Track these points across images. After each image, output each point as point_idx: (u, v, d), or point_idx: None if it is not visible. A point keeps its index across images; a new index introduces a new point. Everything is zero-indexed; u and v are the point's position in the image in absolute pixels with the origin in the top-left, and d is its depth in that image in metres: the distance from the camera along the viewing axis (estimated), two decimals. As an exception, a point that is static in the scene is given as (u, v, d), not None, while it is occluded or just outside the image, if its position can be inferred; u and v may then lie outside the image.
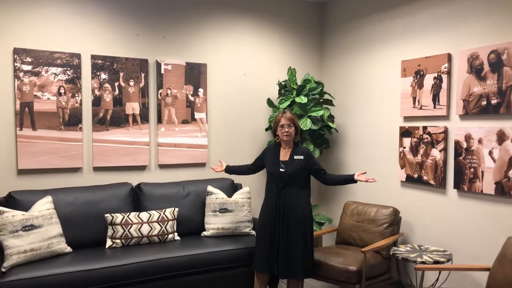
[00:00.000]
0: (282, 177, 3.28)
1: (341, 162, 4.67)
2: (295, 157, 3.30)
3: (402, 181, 3.94)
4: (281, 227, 3.27)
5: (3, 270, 2.89)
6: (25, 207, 3.21)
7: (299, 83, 4.57)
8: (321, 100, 4.38)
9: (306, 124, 4.10)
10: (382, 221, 3.69)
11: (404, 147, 3.86)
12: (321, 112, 4.15)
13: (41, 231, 3.06)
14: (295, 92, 4.24)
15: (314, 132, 4.31)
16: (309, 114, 4.17)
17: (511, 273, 2.55)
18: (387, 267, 3.61)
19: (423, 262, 3.01)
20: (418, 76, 3.71)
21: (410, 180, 3.82)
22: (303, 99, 4.12)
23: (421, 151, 3.70)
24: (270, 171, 3.38)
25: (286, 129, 3.29)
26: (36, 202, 3.23)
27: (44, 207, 3.18)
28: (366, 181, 3.11)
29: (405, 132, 3.86)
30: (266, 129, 4.49)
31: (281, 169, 3.29)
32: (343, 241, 3.91)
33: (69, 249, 3.25)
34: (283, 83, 4.41)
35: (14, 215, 2.99)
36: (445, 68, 3.48)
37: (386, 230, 3.66)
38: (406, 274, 3.86)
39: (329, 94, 4.44)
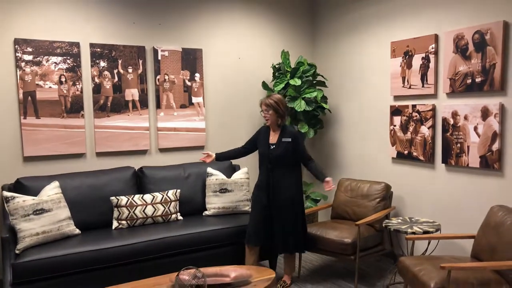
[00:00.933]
0: (271, 159, 3.45)
1: (335, 141, 4.84)
2: (283, 139, 3.44)
3: (393, 158, 4.12)
4: (272, 205, 3.47)
5: (17, 252, 3.04)
6: (33, 192, 3.36)
7: (292, 65, 4.70)
8: (314, 82, 4.52)
9: (300, 105, 4.25)
10: (375, 196, 3.88)
11: (395, 125, 4.03)
12: (314, 94, 4.29)
13: (50, 214, 3.22)
14: (289, 74, 4.37)
15: (308, 113, 4.46)
16: (303, 96, 4.31)
17: (493, 239, 2.75)
18: (380, 239, 3.81)
19: (413, 233, 3.21)
20: (407, 56, 3.85)
21: (400, 157, 4.00)
22: (297, 81, 4.26)
23: (411, 128, 3.87)
24: (260, 153, 3.55)
25: (263, 114, 3.48)
26: (44, 187, 3.37)
27: (52, 191, 3.32)
28: (328, 188, 3.34)
29: (395, 111, 4.02)
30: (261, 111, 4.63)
31: (270, 151, 3.46)
32: (338, 216, 4.10)
33: (77, 231, 3.41)
34: (277, 66, 4.54)
35: (24, 200, 3.13)
36: (432, 48, 3.62)
37: (378, 205, 3.85)
38: (398, 245, 4.08)
39: (322, 76, 4.58)
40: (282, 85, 4.33)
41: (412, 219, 3.61)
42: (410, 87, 3.85)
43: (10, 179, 3.60)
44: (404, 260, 2.91)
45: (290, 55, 4.91)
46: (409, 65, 3.84)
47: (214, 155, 3.67)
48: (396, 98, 4.04)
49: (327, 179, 3.37)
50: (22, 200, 3.12)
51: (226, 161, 3.87)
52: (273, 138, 3.50)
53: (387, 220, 3.61)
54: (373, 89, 4.30)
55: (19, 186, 3.42)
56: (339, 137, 4.79)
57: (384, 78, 4.16)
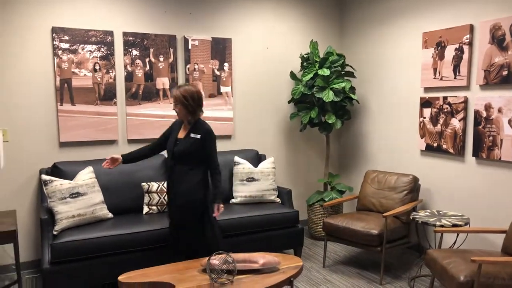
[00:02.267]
0: (174, 155, 3.03)
1: (362, 132, 4.83)
2: (192, 135, 3.03)
3: (421, 150, 4.08)
4: (172, 206, 3.08)
5: (55, 233, 3.17)
6: (69, 177, 3.48)
7: (321, 55, 4.68)
8: (342, 72, 4.50)
9: (328, 96, 4.24)
10: (402, 188, 3.87)
11: (424, 117, 3.99)
12: (343, 84, 4.28)
13: (86, 198, 3.33)
14: (317, 64, 4.36)
15: (336, 104, 4.45)
16: (331, 86, 4.30)
17: (525, 234, 2.72)
18: (407, 231, 3.80)
19: (442, 226, 3.19)
20: (439, 47, 3.79)
21: (429, 149, 3.97)
22: (325, 72, 4.25)
23: (441, 120, 3.82)
24: (167, 148, 3.14)
25: (173, 108, 3.06)
26: (79, 172, 3.49)
27: (87, 176, 3.44)
28: (214, 214, 3.03)
29: (425, 103, 3.97)
30: (289, 102, 4.65)
31: (174, 147, 3.04)
32: (364, 208, 4.10)
33: (110, 215, 3.53)
34: (305, 56, 4.53)
35: (62, 184, 3.25)
36: (467, 39, 3.56)
37: (406, 197, 3.83)
38: (424, 238, 4.06)
39: (351, 66, 4.55)
40: (310, 75, 4.33)
41: (440, 212, 3.58)
42: (441, 79, 3.79)
43: (47, 163, 3.74)
44: (432, 252, 2.91)
45: (319, 45, 4.89)
46: (441, 56, 3.78)
47: (120, 158, 3.16)
48: (427, 89, 3.99)
49: (220, 206, 3.03)
50: (60, 184, 3.25)
51: (135, 162, 3.27)
52: (182, 133, 3.09)
53: (414, 213, 3.59)
54: (403, 81, 4.25)
55: (56, 170, 3.55)
56: (366, 128, 4.77)
57: (414, 69, 4.11)
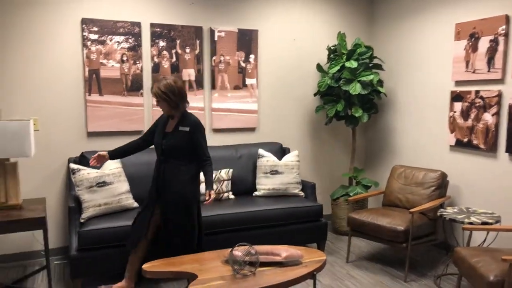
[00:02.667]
0: (164, 149, 2.98)
1: (389, 126, 4.73)
2: (180, 128, 2.97)
3: (451, 146, 3.97)
4: (161, 201, 3.00)
5: (82, 220, 3.25)
6: (96, 166, 3.54)
7: (348, 47, 4.60)
8: (370, 65, 4.41)
9: (355, 88, 4.17)
10: (430, 184, 3.77)
11: (455, 112, 3.87)
12: (370, 77, 4.19)
13: (112, 187, 3.39)
14: (345, 56, 4.29)
15: (363, 97, 4.37)
16: (358, 79, 4.22)
17: (560, 234, 2.61)
18: (433, 228, 3.71)
19: (470, 223, 3.10)
20: (473, 39, 3.66)
21: (459, 144, 3.85)
22: (353, 64, 4.17)
23: (472, 115, 3.70)
24: (154, 143, 3.08)
25: (156, 104, 3.04)
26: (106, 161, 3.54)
27: (113, 165, 3.49)
28: (206, 202, 2.95)
29: (456, 97, 3.85)
30: (315, 94, 4.60)
31: (164, 140, 2.99)
32: (390, 203, 4.03)
33: (136, 204, 3.58)
34: (332, 48, 4.46)
35: (89, 173, 3.32)
36: (503, 30, 3.42)
37: (433, 193, 3.74)
38: (452, 235, 3.96)
39: (379, 59, 4.45)
40: (337, 68, 4.26)
41: (469, 209, 3.48)
42: (474, 72, 3.67)
43: (75, 152, 3.82)
44: (460, 250, 2.83)
45: (347, 36, 4.81)
46: (474, 48, 3.65)
47: (107, 155, 3.12)
48: (458, 83, 3.87)
49: (212, 192, 2.96)
50: (87, 173, 3.31)
51: (121, 158, 3.26)
52: (170, 126, 3.04)
53: (442, 209, 3.50)
54: (433, 74, 4.13)
55: (84, 159, 3.62)
56: (394, 122, 4.67)
57: (445, 62, 3.99)
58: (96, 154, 3.09)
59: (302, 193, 4.09)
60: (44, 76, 3.67)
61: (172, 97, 2.90)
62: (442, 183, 3.78)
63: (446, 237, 3.90)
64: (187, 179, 2.97)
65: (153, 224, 3.04)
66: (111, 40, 3.82)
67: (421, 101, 4.29)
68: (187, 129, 2.96)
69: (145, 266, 2.55)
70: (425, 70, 4.22)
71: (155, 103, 4.00)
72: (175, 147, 2.95)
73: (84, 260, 3.09)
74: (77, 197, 3.32)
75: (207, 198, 2.97)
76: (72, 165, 3.33)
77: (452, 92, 3.89)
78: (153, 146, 3.13)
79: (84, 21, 3.71)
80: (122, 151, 3.18)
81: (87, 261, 3.10)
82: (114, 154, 3.15)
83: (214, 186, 3.80)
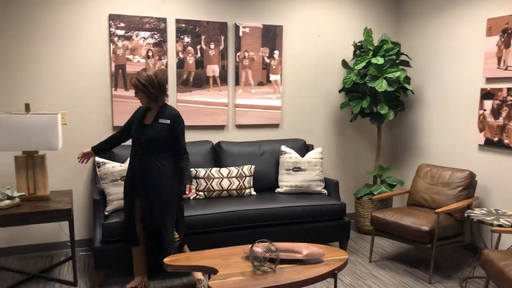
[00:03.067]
0: (143, 142, 2.92)
1: (415, 124, 4.62)
2: (160, 120, 2.92)
3: (480, 145, 3.85)
4: (140, 196, 2.98)
5: (106, 213, 3.30)
6: (121, 160, 3.61)
7: (375, 43, 4.52)
8: (397, 61, 4.32)
9: (381, 85, 4.09)
10: (457, 184, 3.67)
11: (485, 110, 3.75)
12: (397, 74, 4.11)
13: (136, 181, 3.43)
14: (371, 53, 4.21)
15: (390, 94, 4.29)
16: (385, 76, 4.14)
17: None
18: (460, 229, 3.61)
19: (500, 225, 3.00)
20: (506, 34, 3.53)
21: (489, 144, 3.73)
22: (379, 60, 4.09)
23: (504, 113, 3.58)
24: (132, 136, 3.03)
25: (134, 95, 2.96)
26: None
27: (138, 160, 3.54)
28: (186, 196, 2.97)
29: (486, 94, 3.73)
30: (340, 91, 4.54)
31: (142, 133, 2.93)
32: (415, 203, 3.94)
33: (159, 198, 3.62)
34: (358, 44, 4.39)
35: (113, 166, 3.37)
36: (536, 26, 3.29)
37: (460, 193, 3.64)
38: (479, 237, 3.85)
39: (406, 55, 4.36)
40: (363, 64, 4.19)
41: (499, 211, 3.37)
42: (506, 69, 3.54)
43: (101, 146, 3.89)
44: (488, 253, 2.74)
45: (373, 32, 4.72)
46: (507, 44, 3.52)
47: (91, 151, 3.18)
48: (489, 80, 3.74)
49: (192, 186, 2.99)
50: (112, 166, 3.36)
51: (104, 152, 3.25)
52: (149, 118, 2.97)
53: (469, 210, 3.40)
54: (462, 70, 4.01)
55: (109, 153, 3.68)
56: (420, 120, 4.56)
57: (475, 58, 3.87)
58: (81, 153, 3.17)
59: (325, 191, 4.05)
60: (71, 71, 3.75)
61: (151, 90, 2.87)
62: (470, 183, 3.67)
63: (473, 239, 3.80)
64: (169, 173, 2.94)
65: (138, 214, 3.06)
66: (137, 36, 3.86)
67: (449, 99, 4.17)
68: (168, 121, 2.92)
69: (166, 260, 2.58)
70: (454, 67, 4.10)
71: (178, 98, 4.05)
72: (154, 140, 2.90)
73: (107, 252, 3.15)
74: (102, 190, 3.38)
75: (187, 192, 2.97)
76: (98, 159, 3.39)
77: (482, 90, 3.77)
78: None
79: (111, 17, 3.77)
80: (104, 146, 3.19)
81: (111, 253, 3.16)
82: (97, 150, 3.19)
83: (236, 181, 3.81)
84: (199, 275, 3.21)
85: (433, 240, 3.33)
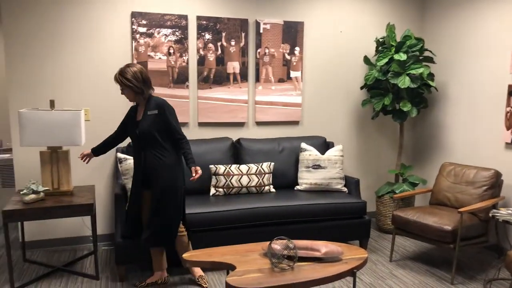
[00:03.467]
0: (139, 138, 2.95)
1: (439, 122, 4.53)
2: (148, 113, 2.94)
3: (507, 143, 3.74)
4: (153, 191, 2.98)
5: (127, 208, 3.35)
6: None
7: (398, 39, 4.44)
8: (421, 58, 4.23)
9: (404, 82, 4.02)
10: (482, 183, 3.58)
11: (512, 108, 3.64)
12: (420, 70, 4.02)
13: (156, 177, 3.47)
14: (393, 49, 4.14)
15: (413, 91, 4.21)
16: (408, 72, 4.07)
17: None
18: (484, 229, 3.52)
19: (526, 226, 2.92)
20: (534, 30, 3.42)
21: (516, 143, 3.62)
22: (402, 56, 4.02)
23: (532, 112, 3.47)
24: (129, 134, 3.08)
25: (121, 93, 2.99)
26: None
27: (158, 156, 3.57)
28: (192, 178, 2.93)
29: (514, 92, 3.62)
30: (361, 88, 4.48)
31: (137, 129, 2.96)
32: (438, 202, 3.86)
33: (179, 194, 3.65)
34: (381, 40, 4.32)
35: (131, 163, 3.41)
36: None
37: (485, 193, 3.55)
38: (505, 238, 3.75)
39: (430, 51, 4.26)
40: (385, 60, 4.12)
41: (525, 212, 3.27)
42: (534, 65, 3.43)
43: (123, 142, 3.93)
44: (513, 254, 2.67)
45: (396, 28, 4.64)
46: (535, 40, 3.41)
47: (90, 152, 3.25)
48: (517, 77, 3.64)
49: (197, 168, 2.94)
50: (133, 162, 3.40)
51: (103, 154, 3.29)
52: (139, 114, 3.01)
53: (494, 210, 3.31)
54: (489, 66, 3.90)
55: (130, 149, 3.74)
56: (444, 117, 4.47)
57: (502, 53, 3.75)
58: (81, 154, 3.23)
59: (345, 189, 4.01)
60: (95, 69, 3.81)
61: (137, 84, 2.88)
62: (495, 183, 3.57)
63: (498, 240, 3.70)
64: (173, 164, 2.96)
65: (145, 213, 3.09)
66: (158, 33, 3.90)
67: (475, 96, 4.07)
68: (156, 111, 2.93)
69: (185, 256, 2.60)
70: (480, 62, 3.99)
71: (199, 94, 4.08)
72: (148, 133, 2.91)
73: (128, 247, 3.19)
74: (123, 186, 3.44)
75: (193, 174, 2.94)
76: (119, 155, 3.45)
77: (510, 86, 3.66)
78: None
79: (134, 15, 3.81)
80: (103, 147, 3.24)
81: (131, 248, 3.20)
82: (96, 151, 3.25)
83: (255, 178, 3.81)
84: (199, 271, 3.24)
85: (456, 240, 3.26)
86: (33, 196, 3.06)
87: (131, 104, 3.90)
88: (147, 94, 2.98)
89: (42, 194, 3.13)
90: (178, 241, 3.12)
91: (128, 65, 2.92)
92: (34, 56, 3.65)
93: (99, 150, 3.25)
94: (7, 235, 2.95)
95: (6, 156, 4.26)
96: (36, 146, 3.57)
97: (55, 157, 3.25)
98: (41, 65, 3.68)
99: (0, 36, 7.06)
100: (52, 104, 3.26)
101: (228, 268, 2.51)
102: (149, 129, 2.91)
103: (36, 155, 3.76)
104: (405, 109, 4.13)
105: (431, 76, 4.24)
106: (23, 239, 3.59)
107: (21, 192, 3.07)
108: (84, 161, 3.26)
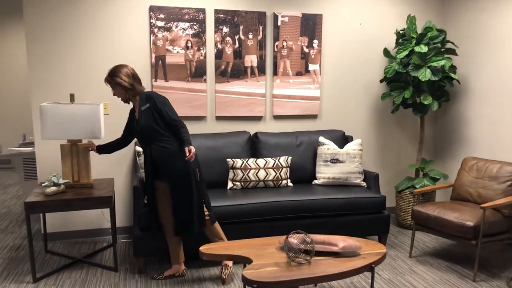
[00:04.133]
0: (141, 135, 3.02)
1: (461, 116, 4.42)
2: (142, 108, 2.99)
3: (532, 138, 3.63)
4: (159, 182, 3.07)
5: (145, 201, 3.37)
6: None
7: (419, 31, 4.35)
8: (442, 50, 4.13)
9: (425, 74, 3.93)
10: (506, 179, 3.48)
11: (538, 101, 3.53)
12: (442, 62, 3.93)
13: (174, 170, 3.49)
14: (414, 41, 4.05)
15: (434, 84, 4.12)
16: (429, 65, 3.98)
17: None
18: (508, 226, 3.43)
19: (551, 223, 2.83)
20: (563, 20, 3.29)
21: (542, 137, 3.51)
22: (423, 48, 3.93)
23: (559, 104, 3.35)
24: (134, 135, 3.15)
25: (113, 94, 3.05)
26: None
27: (176, 149, 3.59)
28: (187, 158, 2.89)
29: (540, 84, 3.50)
30: (381, 81, 4.40)
31: (137, 127, 3.03)
32: (459, 198, 3.78)
33: (196, 187, 3.66)
34: (401, 32, 4.23)
35: (153, 155, 3.44)
36: None
37: (509, 188, 3.45)
38: (530, 235, 3.64)
39: (452, 43, 4.16)
40: (405, 52, 4.03)
41: (551, 208, 3.17)
42: (563, 57, 3.30)
43: (141, 136, 3.98)
44: (537, 251, 2.59)
45: (417, 20, 4.54)
46: None
47: (95, 147, 3.31)
48: (543, 69, 3.51)
49: (191, 147, 2.90)
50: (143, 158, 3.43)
51: (107, 153, 3.35)
52: (136, 113, 3.07)
53: (519, 206, 3.23)
54: (514, 59, 3.79)
55: (149, 143, 3.76)
56: (467, 111, 4.36)
57: (529, 46, 3.63)
58: (89, 141, 3.28)
59: (364, 184, 3.96)
60: (114, 63, 3.84)
61: (127, 79, 2.94)
62: (520, 178, 3.47)
63: (522, 237, 3.60)
64: (179, 150, 2.99)
65: (161, 205, 3.11)
66: (176, 27, 3.91)
67: (499, 89, 3.95)
68: (148, 105, 2.98)
69: (202, 249, 2.61)
70: (505, 54, 3.87)
71: (216, 88, 4.07)
72: (148, 127, 2.96)
73: (146, 239, 3.22)
74: (142, 179, 3.46)
75: (187, 154, 2.90)
76: (138, 148, 3.47)
77: (536, 79, 3.54)
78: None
79: (152, 9, 3.83)
80: (108, 147, 3.30)
81: (149, 241, 3.23)
82: (100, 149, 3.30)
83: (273, 172, 3.79)
84: (229, 261, 3.23)
85: (478, 236, 3.19)
86: (54, 188, 3.12)
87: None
88: (138, 90, 3.01)
89: (62, 186, 3.19)
90: (207, 227, 3.15)
91: (116, 66, 2.99)
92: (54, 52, 3.71)
93: (102, 149, 3.31)
94: (29, 226, 3.01)
95: (29, 149, 4.35)
96: (56, 140, 3.63)
97: (75, 150, 3.29)
98: (61, 61, 3.73)
99: (22, 34, 7.23)
100: (72, 98, 3.31)
101: (245, 261, 2.51)
102: (147, 124, 2.96)
103: (57, 149, 3.82)
104: (426, 102, 4.04)
105: (453, 68, 4.13)
106: (45, 231, 3.67)
107: (43, 185, 3.13)
108: (88, 148, 3.32)
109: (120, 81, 2.93)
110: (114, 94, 3.03)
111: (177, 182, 3.00)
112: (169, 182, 3.02)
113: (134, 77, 3.00)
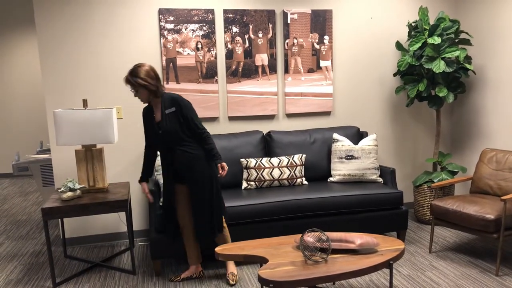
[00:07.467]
0: (164, 140, 2.93)
1: (478, 107, 4.33)
2: (167, 111, 2.90)
3: (553, 127, 3.53)
4: (180, 186, 3.06)
5: (161, 204, 3.39)
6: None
7: (431, 23, 4.27)
8: (456, 40, 4.05)
9: (439, 66, 3.85)
10: (527, 170, 3.40)
11: (558, 88, 3.42)
12: (456, 53, 3.85)
13: (188, 172, 3.49)
14: (427, 32, 3.98)
15: (448, 75, 4.04)
16: (442, 56, 3.90)
17: None
18: (531, 218, 3.34)
19: None
20: None
21: None
22: (436, 40, 3.85)
23: None
24: (153, 139, 3.01)
25: (134, 95, 2.92)
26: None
27: (189, 151, 3.59)
28: (219, 175, 2.96)
29: (560, 71, 3.40)
30: (394, 74, 4.34)
31: (159, 133, 2.92)
32: (479, 190, 3.70)
33: (211, 188, 3.66)
34: (413, 24, 4.16)
35: (166, 158, 3.45)
36: None
37: (531, 180, 3.36)
38: (554, 227, 3.54)
39: (467, 33, 4.07)
40: (418, 45, 3.96)
41: None
42: None
43: (155, 138, 4.00)
44: (562, 244, 2.51)
45: (429, 11, 4.46)
46: None
47: (146, 184, 3.14)
48: (562, 55, 3.41)
49: (224, 164, 2.95)
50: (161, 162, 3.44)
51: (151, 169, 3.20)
52: (157, 115, 2.95)
53: (541, 198, 3.13)
54: (532, 46, 3.68)
55: (162, 145, 3.77)
56: (483, 102, 4.26)
57: (547, 32, 3.53)
58: (147, 192, 3.12)
59: (380, 179, 3.90)
60: (126, 67, 3.87)
61: (152, 81, 2.85)
62: (541, 169, 3.38)
63: (546, 229, 3.50)
64: (203, 155, 2.97)
65: (181, 206, 3.09)
66: (186, 29, 3.91)
67: (517, 78, 3.86)
68: (173, 109, 2.90)
69: (217, 249, 2.60)
70: (522, 42, 3.78)
71: (228, 88, 4.06)
72: (174, 132, 2.89)
73: (162, 242, 3.23)
74: (157, 182, 3.48)
75: (220, 171, 2.95)
76: (152, 151, 3.48)
77: (555, 66, 3.44)
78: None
79: (161, 11, 3.84)
80: (146, 169, 3.15)
81: (166, 243, 3.24)
82: (146, 177, 3.16)
83: (287, 171, 3.77)
84: (232, 268, 3.21)
85: (499, 229, 3.11)
86: (70, 193, 3.15)
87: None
88: (161, 91, 2.94)
89: (78, 191, 3.22)
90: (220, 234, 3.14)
91: (137, 65, 2.88)
92: (66, 58, 3.75)
93: (147, 174, 3.16)
94: (47, 232, 3.05)
95: (46, 156, 4.41)
96: (71, 145, 3.67)
97: (89, 155, 3.32)
98: (73, 67, 3.77)
99: (35, 41, 7.35)
100: (85, 103, 3.34)
101: (261, 261, 2.50)
102: (173, 128, 2.90)
103: (72, 154, 3.86)
104: (441, 94, 3.96)
105: (468, 59, 4.05)
106: (64, 236, 3.71)
107: (59, 190, 3.17)
108: (151, 196, 3.16)
109: (145, 83, 2.83)
110: (135, 95, 2.92)
111: (199, 186, 2.97)
112: (190, 186, 3.00)
113: (158, 78, 2.92)
